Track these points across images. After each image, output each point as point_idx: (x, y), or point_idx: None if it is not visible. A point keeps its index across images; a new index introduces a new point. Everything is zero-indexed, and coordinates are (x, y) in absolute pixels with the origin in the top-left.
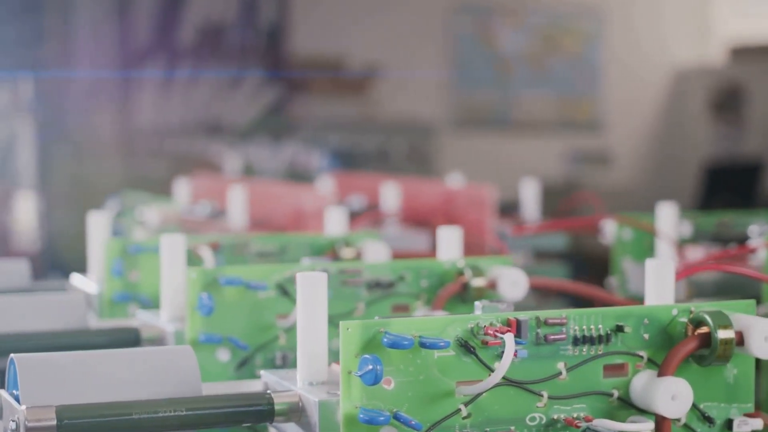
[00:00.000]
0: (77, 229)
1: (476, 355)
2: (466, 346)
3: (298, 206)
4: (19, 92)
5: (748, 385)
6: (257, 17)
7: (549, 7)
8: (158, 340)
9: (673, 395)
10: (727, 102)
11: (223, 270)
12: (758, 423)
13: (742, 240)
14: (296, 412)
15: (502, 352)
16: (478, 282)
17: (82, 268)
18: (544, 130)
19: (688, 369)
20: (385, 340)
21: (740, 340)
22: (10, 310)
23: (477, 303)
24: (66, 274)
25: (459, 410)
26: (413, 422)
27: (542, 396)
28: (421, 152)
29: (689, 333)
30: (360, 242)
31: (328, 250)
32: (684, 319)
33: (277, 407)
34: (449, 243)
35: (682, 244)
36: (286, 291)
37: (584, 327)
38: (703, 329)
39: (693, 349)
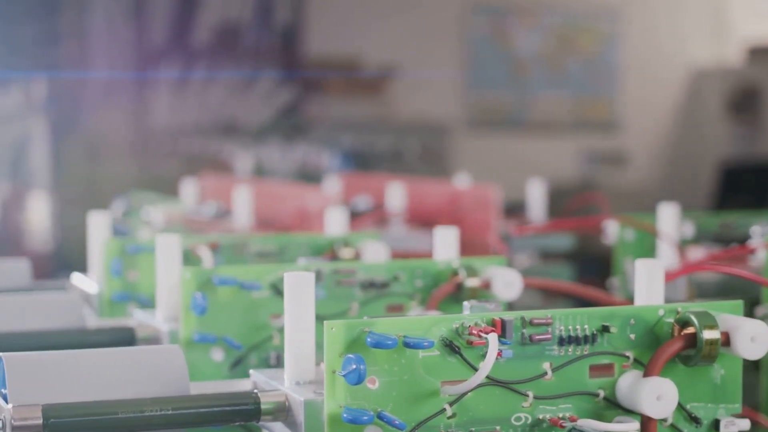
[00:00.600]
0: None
1: (461, 355)
2: (450, 346)
3: (303, 207)
4: (32, 92)
5: (736, 385)
6: (272, 18)
7: (565, 8)
8: (153, 340)
9: (658, 395)
10: (744, 102)
11: (217, 270)
12: (745, 423)
13: (745, 241)
14: (283, 411)
15: (487, 352)
16: (472, 282)
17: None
18: (560, 130)
19: (675, 369)
20: (369, 339)
21: (726, 340)
22: (5, 309)
23: (465, 303)
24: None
25: (444, 410)
26: (397, 422)
27: (528, 396)
28: (436, 153)
29: (675, 333)
30: (359, 243)
31: (328, 251)
32: (670, 320)
33: (263, 406)
34: (446, 243)
35: (684, 244)
36: (280, 291)
37: (570, 327)
38: (689, 330)
39: (679, 349)
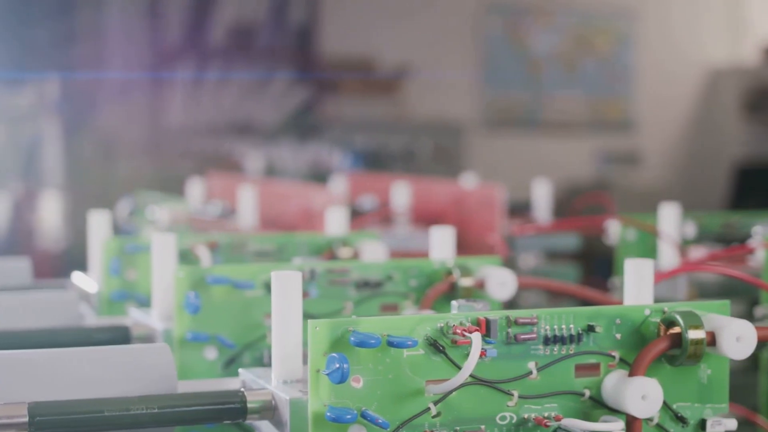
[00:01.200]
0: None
1: (445, 354)
2: (435, 345)
3: (308, 206)
4: (46, 92)
5: (723, 385)
6: (287, 18)
7: (580, 7)
8: (148, 339)
9: (643, 395)
10: (760, 102)
11: (210, 269)
12: (732, 423)
13: (747, 241)
14: (269, 410)
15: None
16: (466, 282)
17: None
18: (575, 130)
19: (661, 369)
20: (352, 338)
21: (712, 340)
22: (1, 307)
23: (453, 302)
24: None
25: (428, 409)
26: (380, 420)
27: (513, 395)
28: (451, 153)
29: (661, 333)
30: (358, 242)
31: (326, 250)
32: (656, 320)
33: (249, 405)
34: (442, 242)
35: (686, 245)
36: None
37: (555, 327)
38: (675, 329)
39: (664, 349)
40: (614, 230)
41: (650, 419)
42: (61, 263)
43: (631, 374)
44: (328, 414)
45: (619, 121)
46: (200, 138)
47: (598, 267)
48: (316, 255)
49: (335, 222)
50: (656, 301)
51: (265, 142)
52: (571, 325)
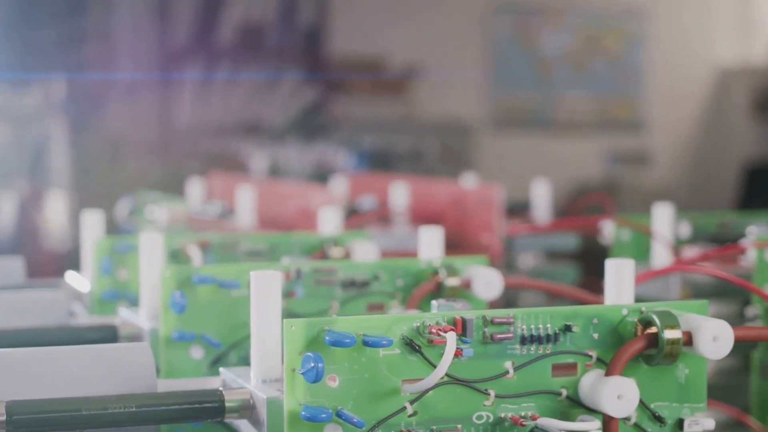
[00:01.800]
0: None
1: (421, 354)
2: (411, 345)
3: (307, 206)
4: (53, 92)
5: (700, 385)
6: (296, 18)
7: (590, 7)
8: (136, 338)
9: (619, 394)
10: None
11: (196, 269)
12: (710, 423)
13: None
14: (247, 409)
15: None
16: (452, 281)
17: None
18: (585, 130)
19: (639, 369)
20: (327, 338)
21: (689, 340)
22: None
23: (433, 302)
24: None
25: (404, 408)
26: (355, 420)
27: (489, 395)
28: (459, 153)
29: (638, 333)
30: (349, 242)
31: (318, 250)
32: (634, 319)
33: (227, 404)
34: (430, 242)
35: (679, 245)
36: None
37: (532, 326)
38: (652, 329)
39: (640, 348)
40: (609, 230)
41: (627, 419)
42: (67, 263)
43: (607, 374)
44: (303, 413)
45: (629, 120)
46: (208, 138)
47: (597, 267)
48: (307, 255)
49: (329, 222)
50: (649, 300)
51: (272, 142)
52: (548, 325)
